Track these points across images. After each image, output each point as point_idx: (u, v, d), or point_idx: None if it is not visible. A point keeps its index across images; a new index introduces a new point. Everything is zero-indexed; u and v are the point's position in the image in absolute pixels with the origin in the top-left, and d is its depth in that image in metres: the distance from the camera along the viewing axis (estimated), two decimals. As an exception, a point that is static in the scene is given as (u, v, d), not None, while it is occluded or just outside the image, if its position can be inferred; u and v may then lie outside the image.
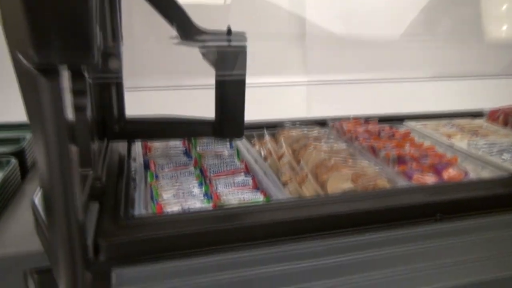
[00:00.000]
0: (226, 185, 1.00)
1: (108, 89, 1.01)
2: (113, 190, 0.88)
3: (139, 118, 1.08)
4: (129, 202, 0.86)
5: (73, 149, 0.53)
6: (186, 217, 0.80)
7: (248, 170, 1.09)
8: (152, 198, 0.93)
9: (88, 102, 0.78)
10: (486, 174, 1.10)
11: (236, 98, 1.01)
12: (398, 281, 0.85)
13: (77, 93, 0.74)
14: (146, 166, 1.09)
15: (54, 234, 0.55)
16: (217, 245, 0.75)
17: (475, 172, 1.11)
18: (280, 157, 1.15)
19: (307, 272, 0.79)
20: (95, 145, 0.85)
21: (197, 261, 0.73)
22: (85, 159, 0.79)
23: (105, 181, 0.89)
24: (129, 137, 1.12)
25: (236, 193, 0.97)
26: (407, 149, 1.16)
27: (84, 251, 0.60)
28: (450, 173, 1.05)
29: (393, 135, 1.28)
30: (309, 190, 0.98)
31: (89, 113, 0.80)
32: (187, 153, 1.18)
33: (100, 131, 0.99)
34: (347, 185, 0.97)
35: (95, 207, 0.80)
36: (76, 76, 0.73)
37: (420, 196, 0.91)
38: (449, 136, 1.35)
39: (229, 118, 1.04)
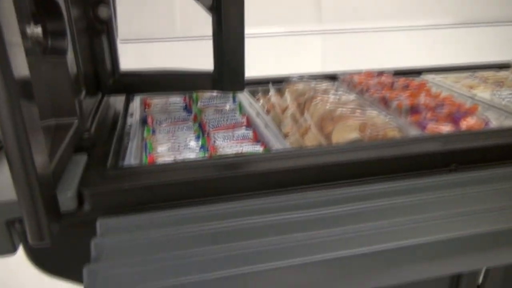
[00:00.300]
0: (225, 139, 0.95)
1: (99, 40, 0.96)
2: (104, 142, 0.84)
3: (134, 71, 1.03)
4: (120, 154, 0.83)
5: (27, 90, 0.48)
6: (175, 166, 0.76)
7: (249, 124, 1.03)
8: (146, 151, 0.89)
9: (68, 46, 0.73)
10: (510, 123, 1.01)
11: (235, 47, 0.95)
12: (408, 230, 0.79)
13: (54, 34, 0.70)
14: (144, 121, 1.05)
15: (16, 186, 0.51)
16: (207, 195, 0.71)
17: (497, 122, 1.02)
18: (283, 110, 1.08)
19: (308, 222, 0.74)
20: (82, 95, 0.81)
21: (186, 211, 0.68)
22: (68, 108, 0.76)
23: (97, 134, 0.85)
24: (124, 91, 1.08)
25: (234, 146, 0.91)
26: (422, 99, 1.07)
27: (51, 203, 0.57)
28: (468, 122, 0.96)
29: (407, 86, 1.19)
30: (311, 141, 0.92)
31: (70, 59, 0.76)
32: (187, 108, 1.13)
33: (92, 83, 0.95)
34: (354, 135, 0.90)
35: (82, 158, 0.76)
36: (52, 15, 0.68)
37: (434, 145, 0.83)
38: (471, 87, 1.25)
39: (228, 70, 0.97)
